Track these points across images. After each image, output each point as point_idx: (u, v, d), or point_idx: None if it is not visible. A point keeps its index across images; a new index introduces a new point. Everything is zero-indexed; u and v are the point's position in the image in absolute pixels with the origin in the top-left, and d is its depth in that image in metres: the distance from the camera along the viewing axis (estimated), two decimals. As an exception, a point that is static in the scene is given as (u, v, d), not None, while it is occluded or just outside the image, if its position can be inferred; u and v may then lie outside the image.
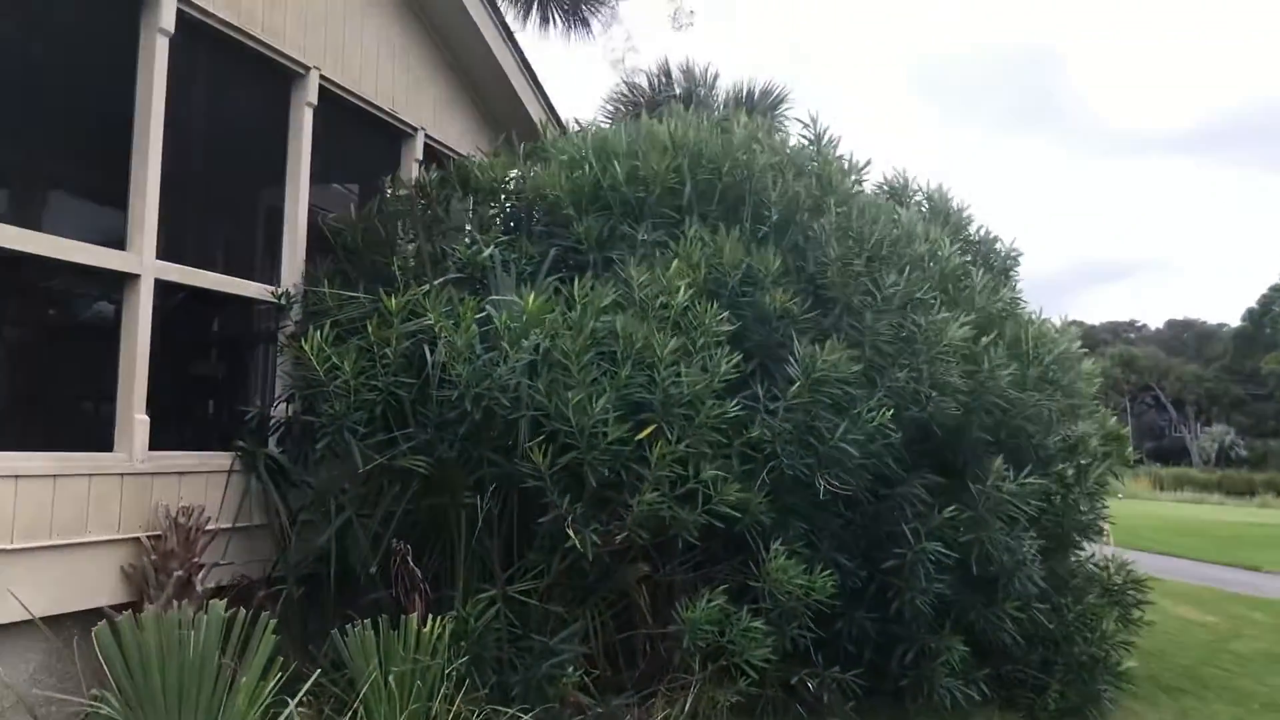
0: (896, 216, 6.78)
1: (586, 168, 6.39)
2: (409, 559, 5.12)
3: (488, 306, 5.11)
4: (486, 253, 5.65)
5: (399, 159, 7.53)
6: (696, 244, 5.84)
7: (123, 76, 5.04)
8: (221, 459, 5.52)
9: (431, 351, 4.99)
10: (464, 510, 5.07)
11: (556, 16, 16.54)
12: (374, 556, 5.21)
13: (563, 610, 5.28)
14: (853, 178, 6.84)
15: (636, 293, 5.43)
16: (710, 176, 6.38)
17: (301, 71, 6.23)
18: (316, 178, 6.50)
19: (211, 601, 3.87)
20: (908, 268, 6.18)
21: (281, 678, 3.77)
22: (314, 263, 6.23)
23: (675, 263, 5.66)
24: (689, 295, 5.46)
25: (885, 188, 7.11)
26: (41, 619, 4.42)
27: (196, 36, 5.43)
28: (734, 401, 5.17)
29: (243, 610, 3.83)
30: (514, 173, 6.89)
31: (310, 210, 6.44)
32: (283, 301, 5.96)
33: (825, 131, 6.92)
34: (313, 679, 4.02)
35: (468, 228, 6.19)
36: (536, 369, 4.90)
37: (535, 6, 16.42)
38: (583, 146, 6.63)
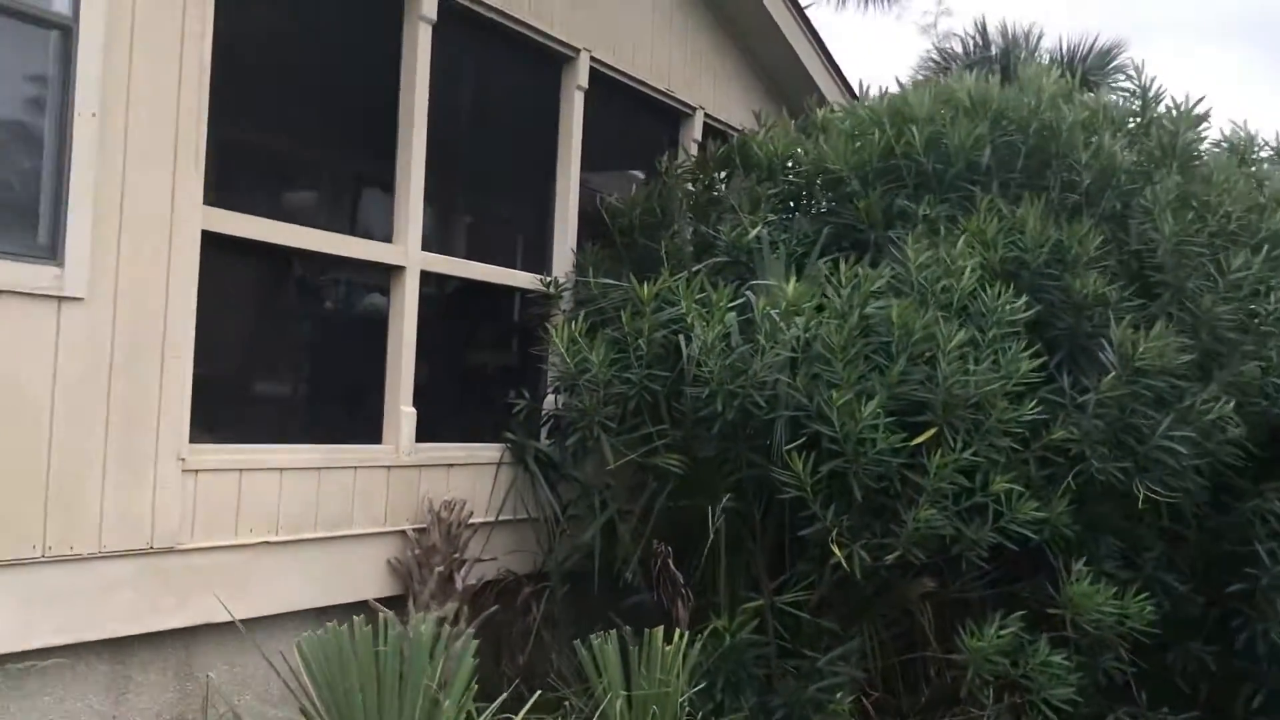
0: (1255, 183, 5.72)
1: (876, 133, 5.81)
2: (670, 562, 4.83)
3: (747, 293, 4.70)
4: (753, 233, 5.23)
5: (677, 139, 7.24)
6: (992, 217, 5.14)
7: (386, 67, 5.04)
8: (490, 451, 5.45)
9: (687, 343, 4.63)
10: (725, 513, 4.69)
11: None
12: (635, 556, 4.95)
13: (836, 626, 4.80)
14: (1188, 134, 5.84)
15: (914, 275, 4.83)
16: (1011, 139, 5.63)
17: (571, 54, 6.06)
18: (590, 163, 6.33)
19: (423, 616, 3.72)
20: (1265, 246, 5.16)
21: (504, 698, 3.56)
22: (585, 250, 6.06)
23: (962, 239, 4.99)
24: (975, 278, 4.79)
25: (1224, 144, 6.02)
26: (309, 610, 4.48)
27: (460, 22, 5.35)
28: (1033, 401, 4.47)
29: (460, 623, 3.65)
30: (797, 148, 6.42)
31: (583, 196, 6.29)
32: (550, 290, 5.83)
33: (1152, 83, 5.95)
34: (531, 701, 3.78)
35: (735, 206, 5.79)
36: (797, 363, 4.44)
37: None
38: (875, 112, 6.04)
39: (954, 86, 5.97)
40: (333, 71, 4.95)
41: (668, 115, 7.16)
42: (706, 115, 7.37)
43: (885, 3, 15.93)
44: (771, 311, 4.44)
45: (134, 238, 3.82)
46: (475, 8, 5.37)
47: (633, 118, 6.95)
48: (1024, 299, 4.78)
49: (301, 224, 4.60)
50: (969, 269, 4.78)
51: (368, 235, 4.99)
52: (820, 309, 4.61)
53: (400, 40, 5.06)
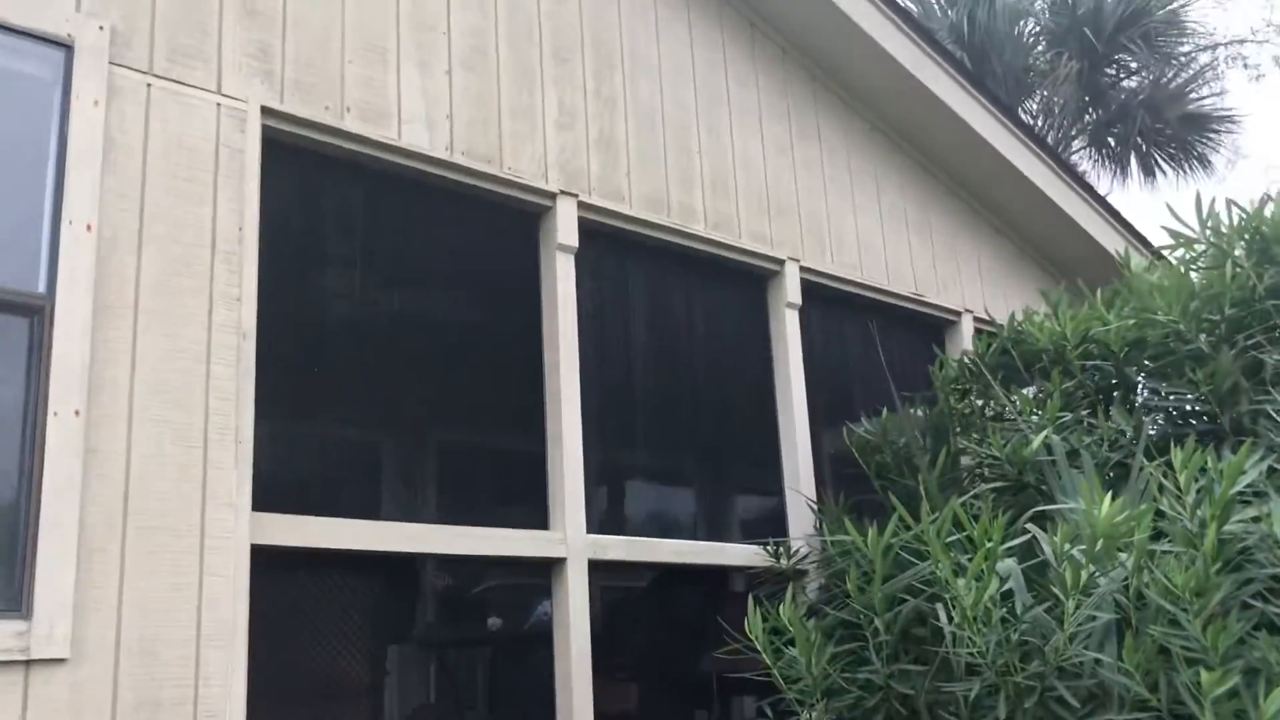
0: None
1: (1229, 267, 4.09)
2: None
3: (1030, 527, 3.07)
4: (1035, 442, 3.62)
5: (942, 349, 5.78)
6: None
7: (524, 293, 4.05)
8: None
9: (950, 620, 2.99)
10: None
11: (1162, 163, 13.89)
12: None
13: None
14: None
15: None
16: None
17: (774, 267, 4.90)
18: (831, 394, 5.01)
19: None
20: None
21: None
22: (829, 503, 4.61)
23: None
24: None
25: None
26: None
27: (600, 239, 4.35)
28: None
29: None
30: (1095, 321, 4.77)
31: (827, 433, 4.93)
32: (781, 562, 4.38)
33: None
34: None
35: (1015, 413, 4.19)
36: (1127, 626, 2.71)
37: (1134, 157, 13.93)
38: (1221, 243, 4.29)
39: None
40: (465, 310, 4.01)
41: (925, 325, 5.74)
42: (977, 319, 5.89)
43: (1207, 169, 13.81)
44: (1073, 550, 2.77)
45: (144, 566, 2.84)
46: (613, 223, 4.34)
47: (877, 334, 5.59)
48: None
49: (407, 520, 3.53)
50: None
51: (513, 523, 3.84)
52: (1159, 535, 2.90)
53: (538, 261, 4.10)
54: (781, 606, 3.41)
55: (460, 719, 3.91)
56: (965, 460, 4.41)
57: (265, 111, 3.34)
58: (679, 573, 4.26)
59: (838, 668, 3.25)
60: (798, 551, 4.40)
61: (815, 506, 4.63)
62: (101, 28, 3.04)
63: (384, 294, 3.78)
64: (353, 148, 3.59)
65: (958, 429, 4.60)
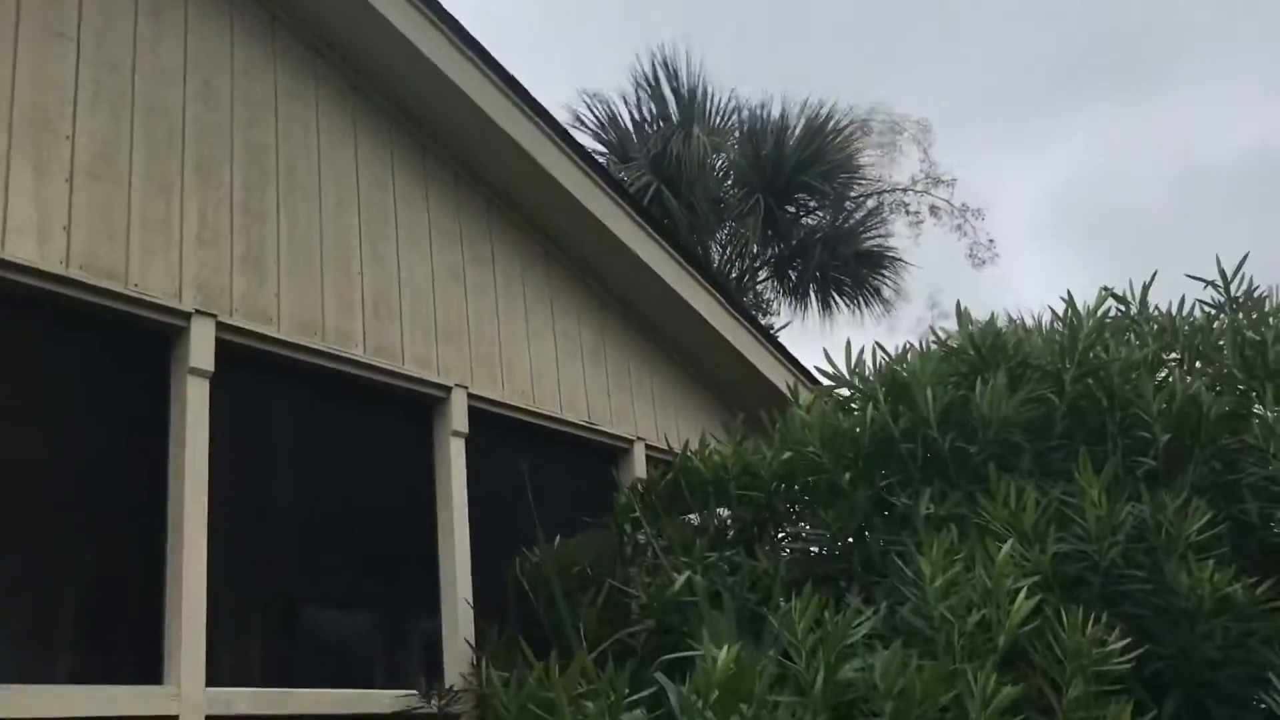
0: None
1: (869, 410, 4.28)
2: None
3: (659, 677, 3.03)
4: (678, 583, 3.63)
5: (614, 481, 5.79)
6: (1029, 502, 3.54)
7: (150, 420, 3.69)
8: None
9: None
10: None
11: (837, 298, 14.97)
12: None
13: None
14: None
15: (934, 606, 3.17)
16: (1041, 396, 4.13)
17: (439, 395, 4.75)
18: (493, 522, 4.87)
19: None
20: None
21: None
22: (489, 641, 4.42)
23: (1007, 546, 3.36)
24: (1031, 601, 3.14)
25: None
26: None
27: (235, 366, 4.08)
28: None
29: None
30: (753, 455, 4.90)
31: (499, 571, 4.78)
32: (435, 708, 4.13)
33: (1244, 280, 4.51)
34: None
35: (672, 549, 4.21)
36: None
37: (813, 290, 14.94)
38: (865, 387, 4.50)
39: (952, 336, 4.52)
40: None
41: (598, 452, 5.75)
42: (650, 447, 5.96)
43: (879, 303, 15.00)
44: (695, 700, 2.74)
45: None
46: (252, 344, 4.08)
47: (551, 463, 5.51)
48: (1118, 631, 3.09)
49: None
50: (1024, 589, 3.12)
51: (121, 679, 3.42)
52: (782, 680, 2.92)
53: (168, 386, 3.76)
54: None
55: None
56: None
57: None
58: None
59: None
60: (450, 694, 4.18)
61: (473, 644, 4.44)
62: None
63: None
64: (-55, 259, 3.18)
65: (630, 559, 4.58)
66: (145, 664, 3.47)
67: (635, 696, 2.90)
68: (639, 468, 5.83)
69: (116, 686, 3.33)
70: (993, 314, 4.47)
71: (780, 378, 6.62)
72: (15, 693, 3.08)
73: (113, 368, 3.74)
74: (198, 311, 3.80)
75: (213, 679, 3.54)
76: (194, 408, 3.73)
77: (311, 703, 3.85)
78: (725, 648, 2.81)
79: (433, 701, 4.15)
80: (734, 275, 14.53)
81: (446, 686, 4.22)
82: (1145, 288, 4.64)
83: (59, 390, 3.59)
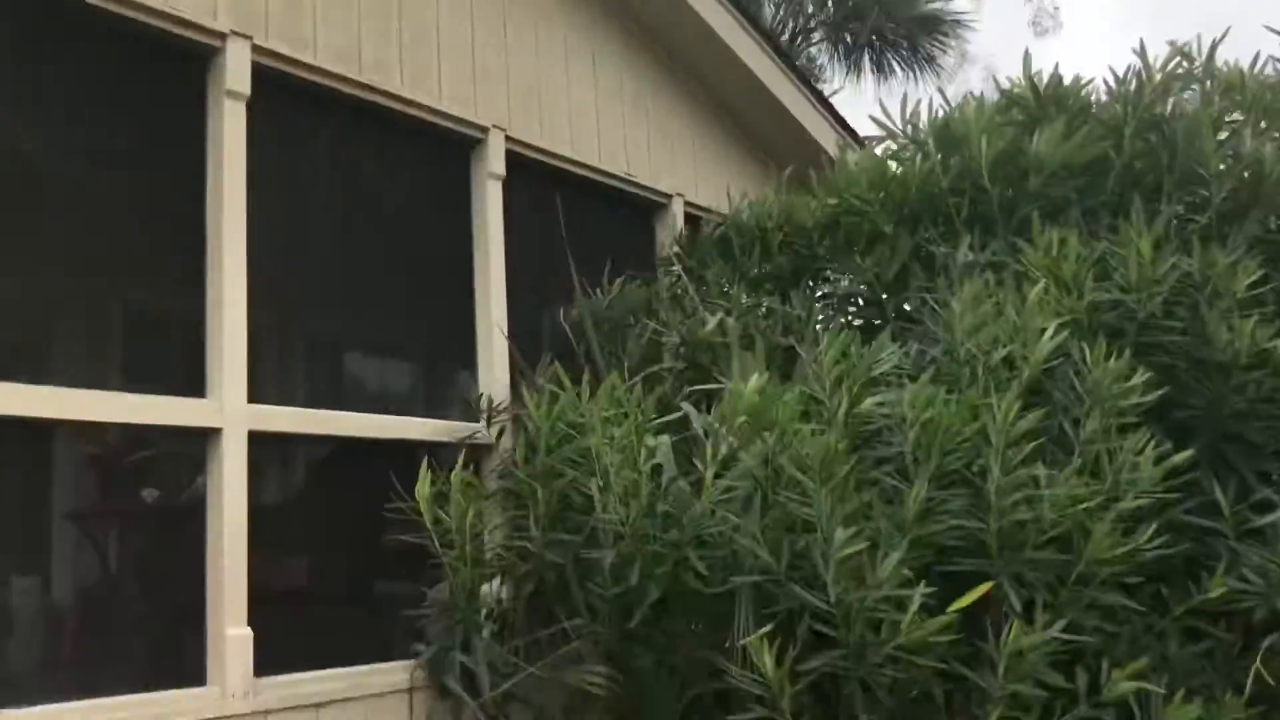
0: None
1: (918, 160, 4.20)
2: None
3: (684, 404, 3.09)
4: (710, 324, 3.65)
5: (653, 236, 5.78)
6: (1070, 251, 3.48)
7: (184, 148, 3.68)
8: (390, 675, 3.83)
9: (601, 490, 2.98)
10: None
11: (894, 63, 14.42)
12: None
13: None
14: None
15: (959, 343, 3.17)
16: (1098, 147, 4.00)
17: (477, 135, 4.68)
18: (539, 271, 4.90)
19: None
20: None
21: None
22: (526, 379, 4.51)
23: (1038, 287, 3.33)
24: (1056, 339, 3.14)
25: None
26: None
27: (277, 92, 4.02)
28: (1150, 529, 2.74)
29: None
30: (798, 209, 4.85)
31: (538, 313, 4.85)
32: (479, 438, 4.27)
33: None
34: None
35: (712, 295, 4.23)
36: (766, 498, 2.77)
37: (866, 55, 14.40)
38: (917, 136, 4.37)
39: (1015, 82, 4.33)
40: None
41: (634, 207, 5.70)
42: (688, 204, 5.90)
43: (936, 70, 14.45)
44: (719, 426, 2.80)
45: None
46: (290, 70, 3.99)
47: (588, 213, 5.47)
48: (1141, 370, 3.09)
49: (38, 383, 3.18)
50: (1051, 328, 3.11)
51: (170, 391, 3.54)
52: (807, 414, 2.97)
53: (205, 108, 3.72)
54: (453, 473, 3.32)
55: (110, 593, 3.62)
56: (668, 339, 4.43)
57: None
58: (361, 447, 4.07)
59: (497, 535, 3.20)
60: (485, 424, 4.31)
61: (511, 379, 4.54)
62: None
63: (20, 138, 3.34)
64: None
65: (669, 307, 4.62)
66: (193, 382, 3.57)
67: (661, 419, 2.96)
68: (677, 224, 5.79)
69: (162, 397, 3.44)
70: (1056, 64, 4.30)
71: (828, 140, 6.49)
72: (71, 394, 3.21)
73: (147, 87, 3.69)
74: (233, 32, 3.72)
75: (257, 398, 3.66)
76: (231, 131, 3.70)
77: (351, 425, 3.98)
78: (753, 377, 2.85)
79: (479, 418, 4.27)
80: (785, 36, 13.98)
81: (479, 418, 4.33)
82: (1214, 44, 4.43)
83: (96, 106, 3.56)
